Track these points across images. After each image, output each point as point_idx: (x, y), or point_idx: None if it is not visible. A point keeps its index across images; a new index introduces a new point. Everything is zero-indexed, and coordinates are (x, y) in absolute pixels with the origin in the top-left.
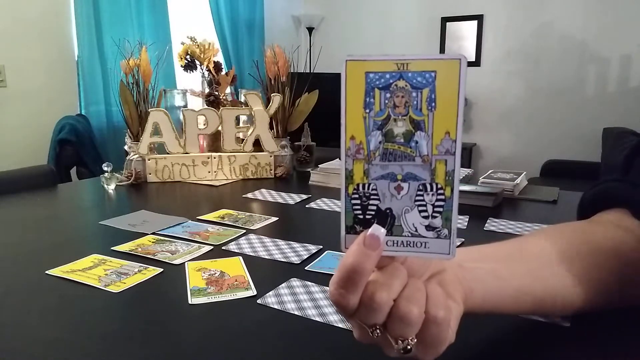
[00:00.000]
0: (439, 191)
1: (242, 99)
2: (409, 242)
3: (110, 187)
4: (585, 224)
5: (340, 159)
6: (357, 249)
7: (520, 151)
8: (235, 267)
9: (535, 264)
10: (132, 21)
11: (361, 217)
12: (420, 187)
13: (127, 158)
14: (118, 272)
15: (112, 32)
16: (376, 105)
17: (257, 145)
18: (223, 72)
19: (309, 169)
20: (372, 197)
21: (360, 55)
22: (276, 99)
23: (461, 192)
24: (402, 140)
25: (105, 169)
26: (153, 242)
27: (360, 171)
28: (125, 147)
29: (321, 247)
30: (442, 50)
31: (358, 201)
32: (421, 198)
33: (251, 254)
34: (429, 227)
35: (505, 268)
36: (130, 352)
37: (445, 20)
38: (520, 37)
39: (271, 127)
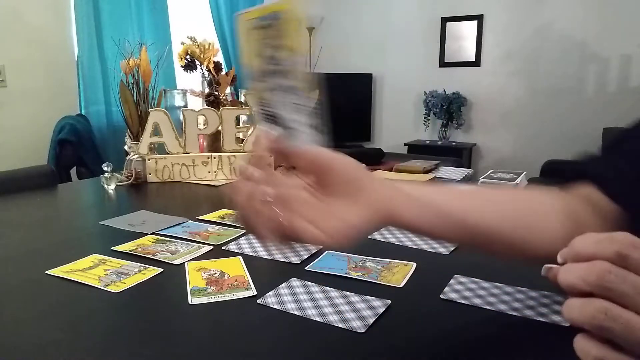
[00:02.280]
0: (303, 95)
1: (242, 99)
2: (293, 136)
3: (110, 187)
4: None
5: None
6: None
7: (520, 151)
8: (235, 267)
9: (477, 201)
10: (132, 21)
11: (265, 120)
12: (293, 94)
13: (127, 158)
14: (118, 272)
15: (112, 32)
16: (253, 40)
17: None
18: (223, 72)
19: None
20: (266, 105)
21: (245, 10)
22: None
23: None
24: (272, 62)
25: (105, 169)
26: (153, 242)
27: (256, 88)
28: (125, 147)
29: (321, 247)
30: (442, 50)
31: (261, 109)
32: (296, 102)
33: (251, 254)
34: (304, 124)
35: (446, 198)
36: (130, 352)
37: (445, 20)
38: (520, 37)
39: None
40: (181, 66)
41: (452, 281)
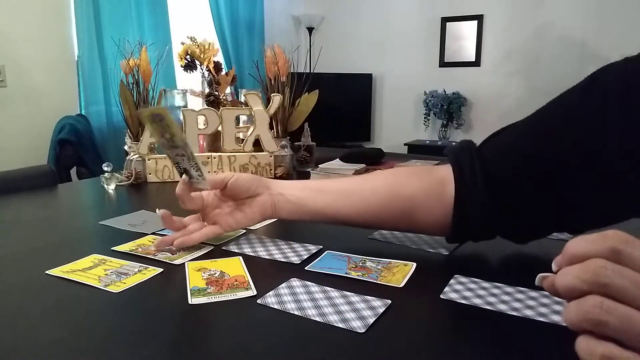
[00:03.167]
0: (192, 159)
1: (242, 99)
2: (195, 182)
3: (110, 187)
4: (416, 169)
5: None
6: (178, 187)
7: None
8: (235, 267)
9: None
10: (132, 21)
11: (181, 170)
12: (186, 159)
13: (127, 158)
14: (118, 272)
15: (112, 32)
16: (157, 127)
17: (257, 145)
18: (223, 72)
19: (309, 169)
20: (179, 163)
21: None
22: (276, 99)
23: None
24: (171, 141)
25: (105, 169)
26: (153, 242)
27: (171, 156)
28: (125, 147)
29: (321, 247)
30: (442, 50)
31: (177, 164)
32: (189, 163)
33: (251, 254)
34: (198, 174)
35: (313, 197)
36: (130, 352)
37: (445, 20)
38: (520, 37)
39: (271, 127)
40: (181, 66)
41: (452, 281)
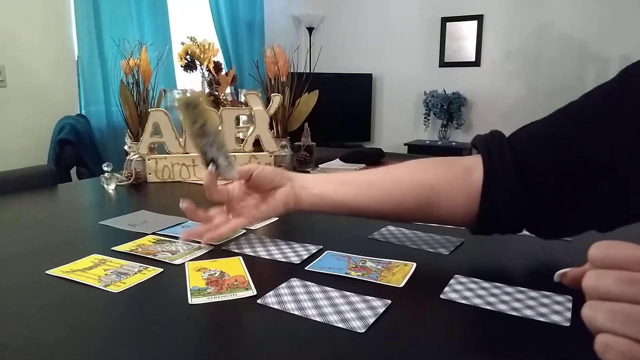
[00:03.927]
0: (222, 150)
1: (242, 99)
2: (223, 170)
3: (110, 187)
4: (443, 161)
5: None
6: (206, 177)
7: None
8: (235, 267)
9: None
10: (132, 21)
11: (207, 160)
12: (218, 148)
13: (127, 158)
14: (118, 272)
15: (112, 32)
16: (190, 115)
17: (257, 145)
18: (223, 72)
19: (309, 169)
20: (207, 153)
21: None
22: (276, 99)
23: None
24: (200, 129)
25: (105, 169)
26: (153, 242)
27: (200, 146)
28: (125, 147)
29: (321, 247)
30: (442, 50)
31: (204, 153)
32: (218, 151)
33: (251, 254)
34: (227, 163)
35: (335, 189)
36: (130, 352)
37: (445, 20)
38: (520, 37)
39: (271, 127)
40: (181, 66)
41: (452, 281)
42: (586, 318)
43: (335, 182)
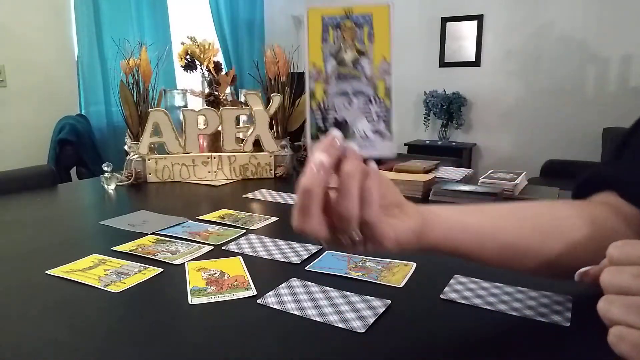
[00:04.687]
0: (381, 103)
1: (242, 99)
2: (360, 145)
3: (110, 187)
4: (578, 203)
5: (305, 82)
6: (309, 173)
7: (520, 151)
8: (235, 267)
9: (513, 219)
10: (132, 21)
11: (322, 127)
12: (366, 101)
13: (127, 158)
14: (118, 272)
15: (112, 32)
16: (330, 39)
17: (257, 145)
18: (223, 72)
19: None
20: (330, 110)
21: (318, 5)
22: (276, 99)
23: (461, 192)
24: (350, 65)
25: (105, 169)
26: (153, 242)
27: (320, 90)
28: (125, 147)
29: (321, 247)
30: (442, 50)
31: (320, 114)
32: (368, 109)
33: (251, 254)
34: (375, 132)
35: (473, 218)
36: (130, 352)
37: (445, 20)
38: (520, 37)
39: (271, 127)
40: (181, 66)
41: (452, 281)
42: (601, 311)
43: (470, 211)
